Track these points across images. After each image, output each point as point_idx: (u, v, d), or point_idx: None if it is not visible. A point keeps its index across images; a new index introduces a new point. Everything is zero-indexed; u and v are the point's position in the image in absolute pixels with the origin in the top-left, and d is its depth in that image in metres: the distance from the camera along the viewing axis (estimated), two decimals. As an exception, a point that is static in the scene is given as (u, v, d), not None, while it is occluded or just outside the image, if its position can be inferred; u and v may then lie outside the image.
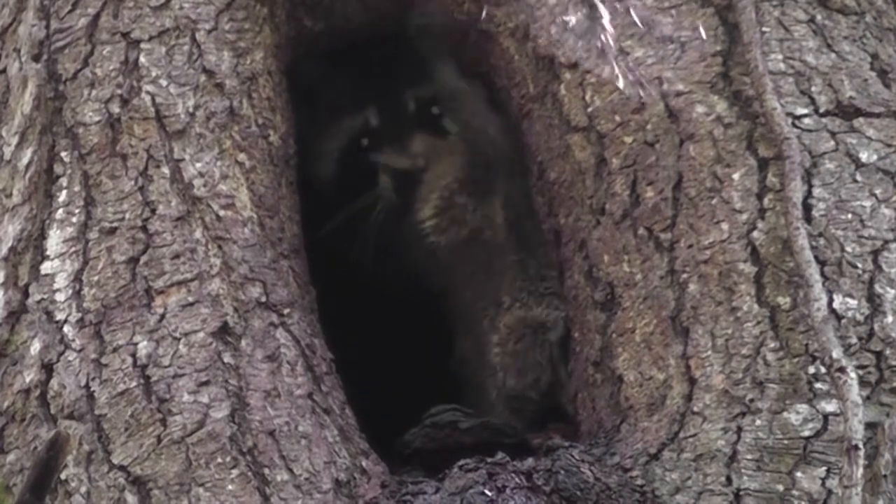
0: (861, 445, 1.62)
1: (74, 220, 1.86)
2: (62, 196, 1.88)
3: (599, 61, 1.87)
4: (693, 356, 1.77)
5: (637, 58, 1.89)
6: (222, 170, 1.91)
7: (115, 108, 1.90)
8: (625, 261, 1.86)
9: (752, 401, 1.72)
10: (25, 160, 1.90)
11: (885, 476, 1.65)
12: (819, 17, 1.88)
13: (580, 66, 1.93)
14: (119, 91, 1.91)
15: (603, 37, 1.87)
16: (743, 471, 1.70)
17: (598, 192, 1.91)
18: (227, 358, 1.80)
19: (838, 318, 1.72)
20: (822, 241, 1.75)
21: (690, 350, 1.77)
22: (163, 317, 1.81)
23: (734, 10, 1.86)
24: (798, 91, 1.84)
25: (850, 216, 1.77)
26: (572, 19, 1.93)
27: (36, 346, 1.81)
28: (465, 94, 2.24)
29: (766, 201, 1.78)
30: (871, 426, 1.66)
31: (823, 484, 1.67)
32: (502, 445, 1.86)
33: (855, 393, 1.64)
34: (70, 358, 1.80)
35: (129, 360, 1.78)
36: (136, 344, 1.79)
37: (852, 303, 1.73)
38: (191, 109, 1.92)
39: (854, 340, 1.71)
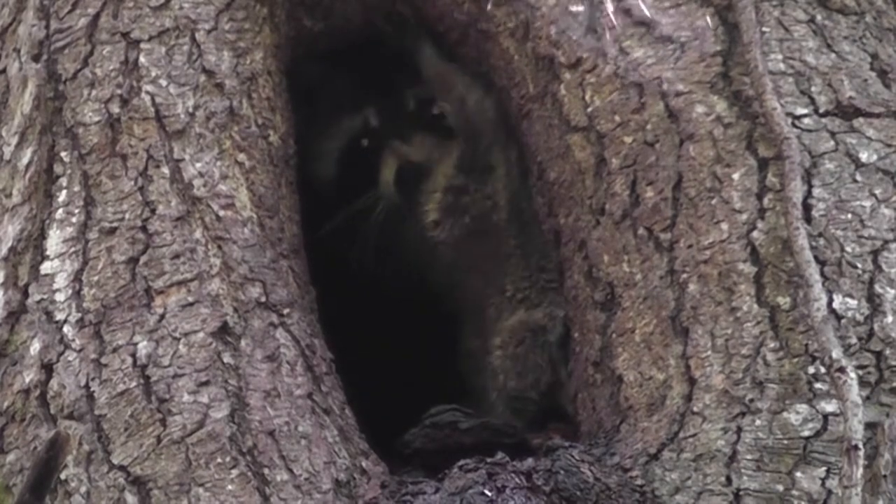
0: (861, 445, 1.62)
1: (74, 220, 1.86)
2: (62, 196, 1.88)
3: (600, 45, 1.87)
4: (693, 356, 1.77)
5: (637, 58, 1.89)
6: (222, 170, 1.91)
7: (115, 108, 1.90)
8: (625, 261, 1.86)
9: (751, 401, 1.72)
10: (25, 160, 1.90)
11: (884, 476, 1.65)
12: (819, 17, 1.88)
13: (581, 62, 1.93)
14: (119, 91, 1.91)
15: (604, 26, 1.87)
16: (743, 471, 1.70)
17: (597, 192, 1.91)
18: (226, 358, 1.80)
19: (838, 318, 1.72)
20: (822, 241, 1.75)
21: (690, 350, 1.77)
22: (163, 317, 1.81)
23: (734, 10, 1.86)
24: (798, 91, 1.84)
25: (850, 216, 1.77)
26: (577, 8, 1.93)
27: (36, 346, 1.81)
28: (452, 74, 2.24)
29: (765, 201, 1.78)
30: (870, 426, 1.66)
31: (823, 484, 1.67)
32: (502, 445, 1.86)
33: (855, 393, 1.64)
34: (70, 358, 1.80)
35: (129, 360, 1.78)
36: (135, 344, 1.79)
37: (852, 303, 1.73)
38: (191, 109, 1.92)
39: (854, 340, 1.71)
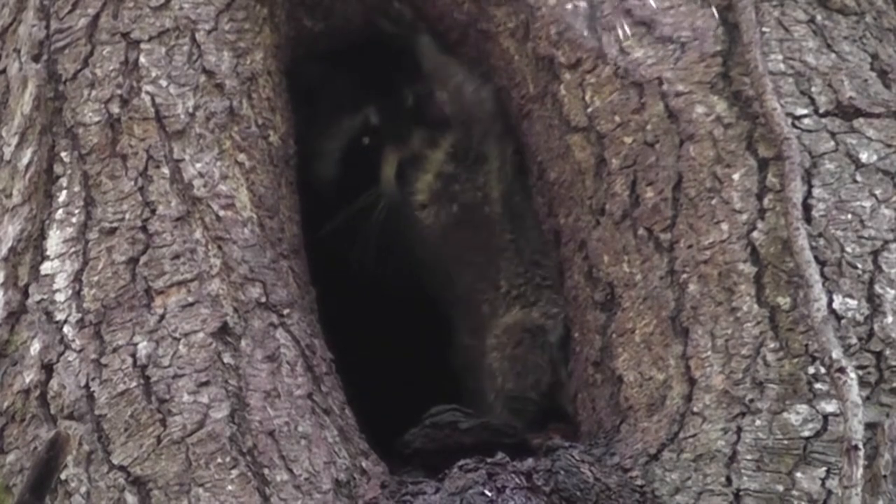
0: (861, 446, 1.62)
1: (74, 220, 1.86)
2: (62, 196, 1.88)
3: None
4: (693, 356, 1.77)
5: (637, 58, 1.89)
6: (222, 170, 1.91)
7: (115, 109, 1.90)
8: (625, 261, 1.86)
9: (751, 401, 1.72)
10: (25, 160, 1.90)
11: (884, 476, 1.65)
12: (819, 18, 1.88)
13: (581, 62, 1.93)
14: (119, 91, 1.91)
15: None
16: (743, 471, 1.70)
17: (597, 193, 1.91)
18: (226, 358, 1.80)
19: (838, 318, 1.72)
20: (822, 242, 1.75)
21: (690, 350, 1.77)
22: (163, 317, 1.81)
23: (734, 10, 1.86)
24: (798, 91, 1.83)
25: (850, 216, 1.77)
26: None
27: (36, 347, 1.81)
28: (450, 65, 2.23)
29: (766, 201, 1.78)
30: (870, 426, 1.66)
31: (823, 484, 1.67)
32: (502, 446, 1.86)
33: (855, 393, 1.64)
34: (70, 358, 1.80)
35: (129, 360, 1.78)
36: (135, 344, 1.79)
37: (852, 303, 1.72)
38: (191, 110, 1.92)
39: (854, 341, 1.71)
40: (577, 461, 1.74)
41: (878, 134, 1.82)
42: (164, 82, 1.92)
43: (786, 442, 1.69)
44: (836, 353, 1.66)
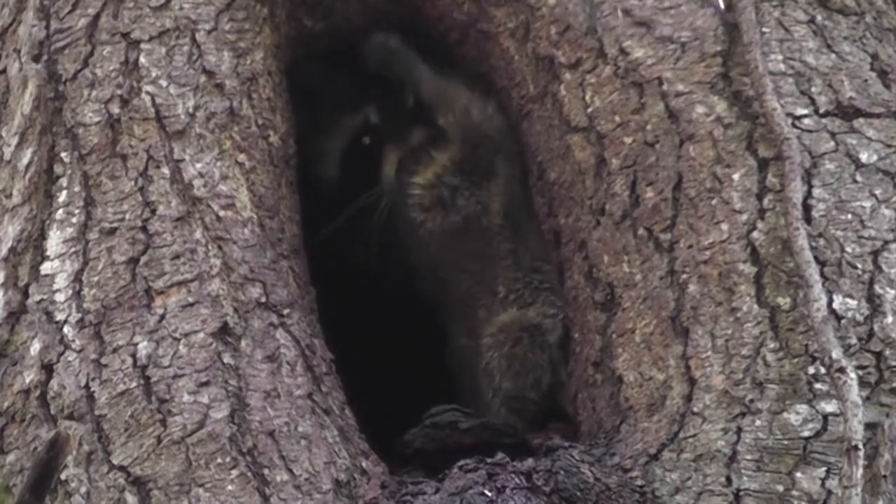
0: (861, 446, 1.62)
1: (74, 220, 1.86)
2: (62, 196, 1.88)
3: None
4: (693, 356, 1.77)
5: (637, 58, 1.89)
6: (222, 170, 1.91)
7: (115, 109, 1.90)
8: (625, 261, 1.86)
9: (752, 401, 1.72)
10: (25, 160, 1.90)
11: (884, 476, 1.65)
12: (819, 18, 1.88)
13: (581, 62, 1.93)
14: (119, 91, 1.91)
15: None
16: (743, 471, 1.70)
17: (598, 193, 1.91)
18: (227, 358, 1.80)
19: (838, 318, 1.72)
20: (822, 242, 1.75)
21: (690, 350, 1.77)
22: (163, 317, 1.81)
23: (734, 10, 1.86)
24: (798, 91, 1.84)
25: (850, 216, 1.77)
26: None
27: (36, 347, 1.81)
28: (452, 88, 2.23)
29: (766, 202, 1.78)
30: (870, 426, 1.66)
31: (823, 484, 1.67)
32: (502, 446, 1.86)
33: (855, 393, 1.64)
34: (70, 358, 1.80)
35: (129, 360, 1.78)
36: (136, 344, 1.79)
37: (852, 303, 1.72)
38: (191, 110, 1.92)
39: (854, 341, 1.71)
40: (577, 461, 1.74)
41: (878, 134, 1.82)
42: (164, 82, 1.92)
43: (786, 442, 1.69)
44: (836, 353, 1.66)
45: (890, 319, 1.72)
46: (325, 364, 1.91)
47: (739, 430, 1.71)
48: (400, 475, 1.89)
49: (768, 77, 1.81)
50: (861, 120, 1.82)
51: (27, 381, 1.80)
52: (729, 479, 1.70)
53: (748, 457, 1.70)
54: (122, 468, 1.74)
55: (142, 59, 1.93)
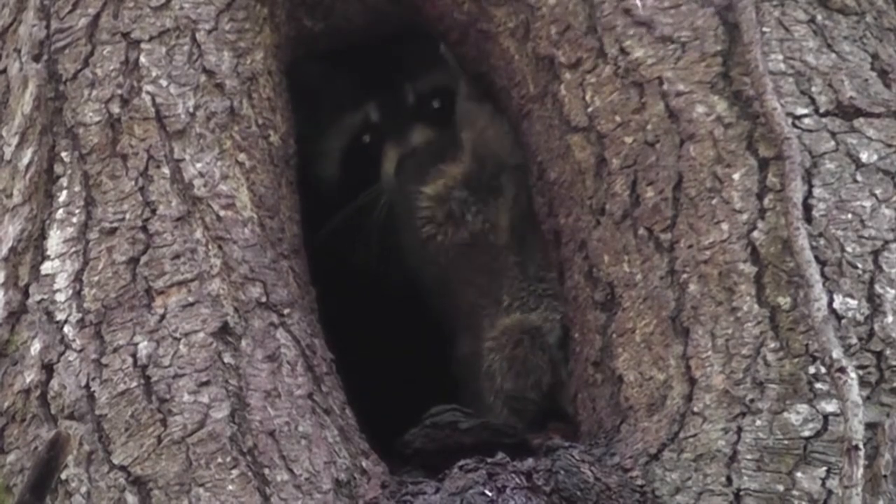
0: (861, 445, 1.62)
1: (75, 220, 1.86)
2: (62, 196, 1.88)
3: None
4: (693, 356, 1.77)
5: (637, 58, 1.89)
6: (222, 170, 1.91)
7: (116, 109, 1.90)
8: (625, 261, 1.86)
9: (752, 401, 1.72)
10: (25, 160, 1.90)
11: (885, 476, 1.65)
12: (819, 18, 1.88)
13: (581, 62, 1.93)
14: (119, 91, 1.91)
15: None
16: (743, 471, 1.70)
17: (598, 193, 1.91)
18: (227, 358, 1.80)
19: (838, 318, 1.72)
20: (822, 241, 1.75)
21: (690, 350, 1.77)
22: (163, 317, 1.81)
23: (734, 10, 1.86)
24: (798, 91, 1.83)
25: (850, 216, 1.77)
26: None
27: (36, 347, 1.81)
28: (479, 111, 2.23)
29: (766, 201, 1.78)
30: (871, 426, 1.66)
31: (823, 484, 1.67)
32: (502, 445, 1.86)
33: (855, 393, 1.64)
34: (70, 358, 1.80)
35: (130, 360, 1.78)
36: (136, 344, 1.79)
37: (852, 303, 1.72)
38: (191, 109, 1.92)
39: (854, 340, 1.71)
40: (577, 461, 1.74)
41: (879, 134, 1.82)
42: (164, 82, 1.92)
43: (786, 442, 1.69)
44: (837, 353, 1.66)
45: (890, 319, 1.72)
46: (325, 364, 1.91)
47: (740, 430, 1.71)
48: (400, 475, 1.88)
49: (768, 77, 1.81)
50: (861, 119, 1.82)
51: (27, 380, 1.80)
52: (729, 479, 1.70)
53: (748, 456, 1.70)
54: (122, 468, 1.74)
55: (142, 59, 1.93)
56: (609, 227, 1.89)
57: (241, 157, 1.94)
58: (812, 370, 1.71)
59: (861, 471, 1.61)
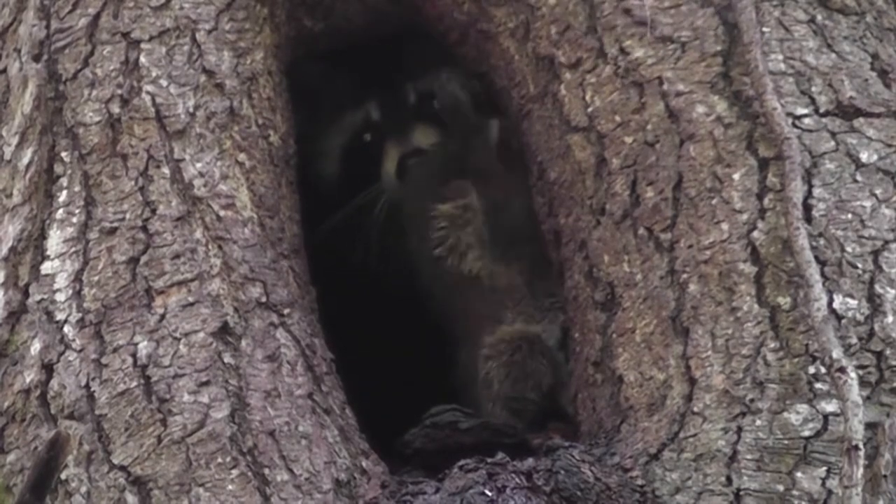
0: (861, 445, 1.62)
1: (74, 220, 1.86)
2: (62, 196, 1.88)
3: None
4: (693, 356, 1.77)
5: (637, 58, 1.89)
6: (222, 170, 1.91)
7: (116, 108, 1.90)
8: (625, 261, 1.86)
9: (752, 401, 1.72)
10: (25, 160, 1.90)
11: (885, 476, 1.65)
12: (819, 18, 1.88)
13: (581, 62, 1.93)
14: (119, 91, 1.91)
15: None
16: (743, 471, 1.70)
17: (598, 192, 1.91)
18: (227, 358, 1.80)
19: (838, 318, 1.72)
20: (822, 241, 1.75)
21: (690, 350, 1.77)
22: (163, 317, 1.81)
23: (734, 10, 1.86)
24: (798, 91, 1.83)
25: (850, 216, 1.77)
26: None
27: (36, 346, 1.81)
28: (495, 173, 2.23)
29: (766, 201, 1.78)
30: (871, 426, 1.66)
31: (823, 484, 1.67)
32: (502, 445, 1.86)
33: (855, 393, 1.64)
34: (70, 358, 1.80)
35: (130, 360, 1.78)
36: (136, 344, 1.79)
37: (852, 303, 1.73)
38: (191, 109, 1.92)
39: (854, 340, 1.71)
40: (577, 461, 1.74)
41: (879, 134, 1.82)
42: (164, 82, 1.92)
43: (786, 442, 1.69)
44: (837, 353, 1.66)
45: (890, 319, 1.72)
46: (325, 364, 1.91)
47: (740, 430, 1.71)
48: (400, 475, 1.88)
49: (768, 77, 1.81)
50: (861, 119, 1.82)
51: (27, 380, 1.80)
52: (729, 479, 1.70)
53: (748, 456, 1.70)
54: (122, 468, 1.74)
55: (142, 59, 1.93)
56: (609, 227, 1.89)
57: (241, 157, 1.94)
58: (812, 370, 1.71)
59: (861, 471, 1.61)
